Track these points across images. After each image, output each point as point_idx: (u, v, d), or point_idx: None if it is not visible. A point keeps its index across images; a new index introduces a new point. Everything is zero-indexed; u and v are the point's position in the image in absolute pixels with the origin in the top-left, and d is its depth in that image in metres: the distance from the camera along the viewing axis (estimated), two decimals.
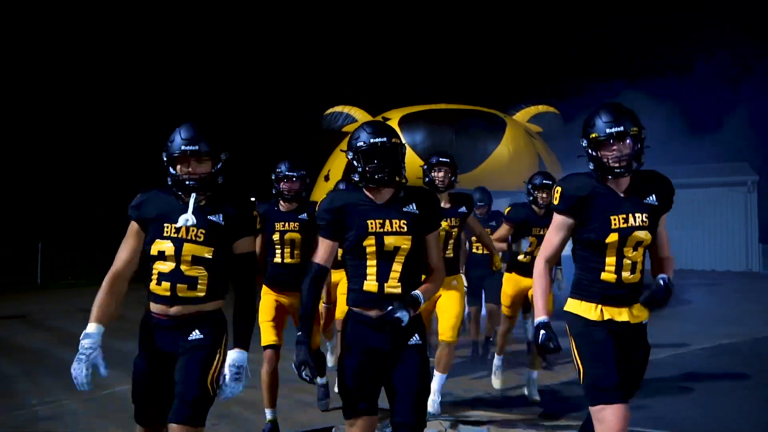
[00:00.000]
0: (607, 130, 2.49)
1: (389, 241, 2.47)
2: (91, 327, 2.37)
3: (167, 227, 2.47)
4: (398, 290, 2.47)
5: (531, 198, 4.68)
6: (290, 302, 4.03)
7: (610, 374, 2.43)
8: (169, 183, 2.50)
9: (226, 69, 27.72)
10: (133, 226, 2.53)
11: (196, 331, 2.46)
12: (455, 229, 4.33)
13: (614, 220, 2.52)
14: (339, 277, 4.68)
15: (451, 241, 4.34)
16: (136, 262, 2.53)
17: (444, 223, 4.18)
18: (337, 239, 2.53)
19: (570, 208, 2.59)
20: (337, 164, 10.46)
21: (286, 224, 4.11)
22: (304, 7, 29.98)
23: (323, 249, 2.54)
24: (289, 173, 4.10)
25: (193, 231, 2.45)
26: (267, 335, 3.96)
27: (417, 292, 2.50)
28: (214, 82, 26.77)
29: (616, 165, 2.48)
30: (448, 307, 4.19)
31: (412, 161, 7.95)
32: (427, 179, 4.28)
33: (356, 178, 2.54)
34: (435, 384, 4.20)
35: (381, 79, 25.61)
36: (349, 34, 28.65)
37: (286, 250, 4.10)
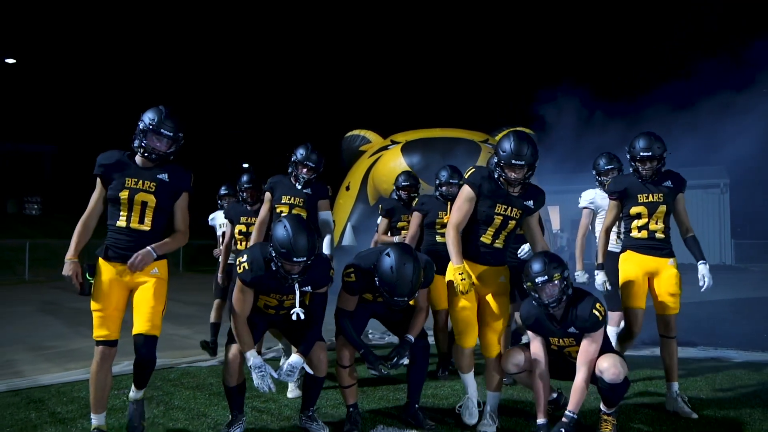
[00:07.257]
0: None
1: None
2: (252, 354, 3.03)
3: (273, 295, 3.14)
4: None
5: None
6: None
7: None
8: (273, 268, 2.95)
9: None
10: (245, 287, 3.04)
11: None
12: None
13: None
14: None
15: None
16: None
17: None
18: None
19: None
20: (356, 177, 11.89)
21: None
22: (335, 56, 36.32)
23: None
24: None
25: (291, 297, 3.13)
26: None
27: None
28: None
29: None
30: (493, 318, 3.45)
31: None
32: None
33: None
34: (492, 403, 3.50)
35: (390, 108, 31.76)
36: (366, 74, 37.13)
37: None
